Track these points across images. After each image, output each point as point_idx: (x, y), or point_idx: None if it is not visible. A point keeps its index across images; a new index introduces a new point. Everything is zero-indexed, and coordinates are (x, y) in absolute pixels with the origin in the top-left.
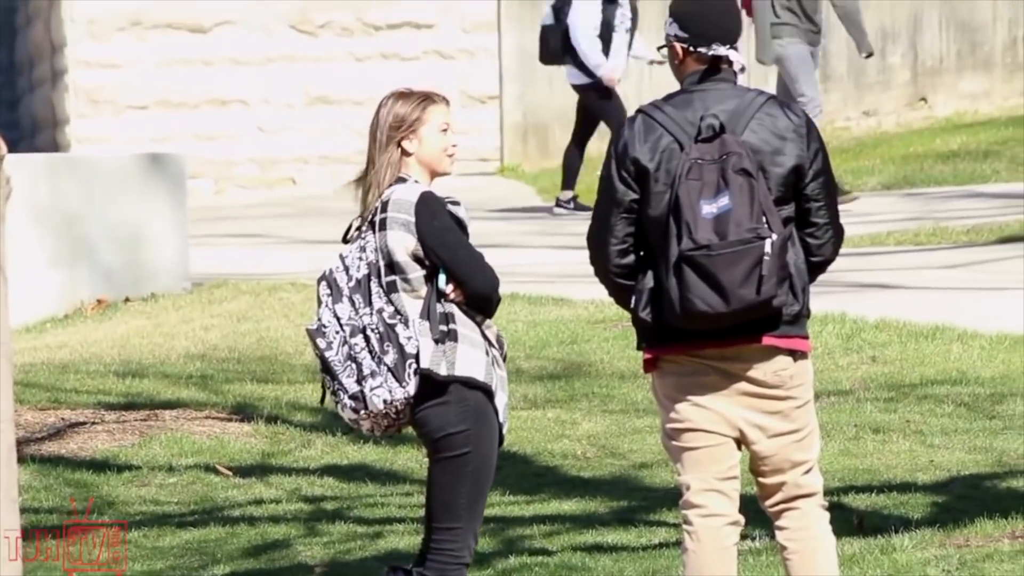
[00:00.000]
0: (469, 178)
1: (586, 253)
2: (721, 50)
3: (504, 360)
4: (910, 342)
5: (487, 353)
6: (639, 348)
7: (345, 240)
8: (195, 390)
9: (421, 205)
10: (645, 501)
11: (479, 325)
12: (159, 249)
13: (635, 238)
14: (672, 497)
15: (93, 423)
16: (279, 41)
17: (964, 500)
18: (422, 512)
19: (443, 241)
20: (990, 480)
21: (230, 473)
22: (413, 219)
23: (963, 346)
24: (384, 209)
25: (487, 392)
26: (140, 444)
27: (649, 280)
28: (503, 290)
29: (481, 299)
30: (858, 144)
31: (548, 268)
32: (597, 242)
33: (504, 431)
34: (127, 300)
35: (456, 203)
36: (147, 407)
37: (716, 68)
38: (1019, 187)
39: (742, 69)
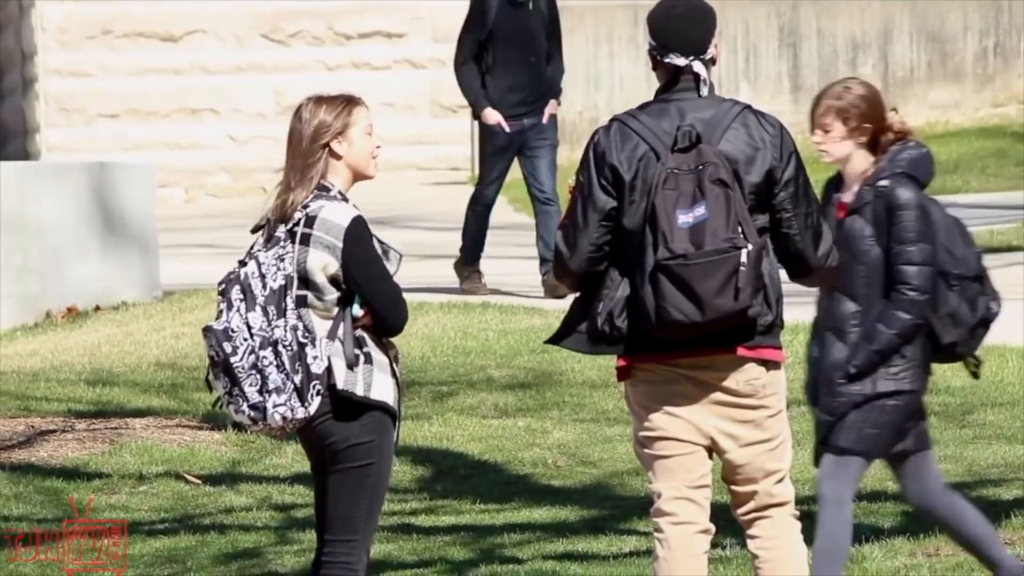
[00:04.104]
0: (440, 187)
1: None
2: (679, 60)
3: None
4: None
5: (393, 375)
6: (550, 341)
7: (255, 230)
8: (165, 398)
9: (351, 232)
10: (616, 509)
11: (385, 348)
12: (130, 257)
13: (610, 247)
14: (643, 505)
15: (63, 431)
16: (250, 50)
17: None
18: (392, 520)
19: (367, 272)
20: (960, 489)
21: (199, 482)
22: (340, 244)
23: None
24: (310, 224)
25: (392, 415)
26: (110, 452)
27: (624, 289)
28: (475, 299)
29: (393, 332)
30: None
31: (519, 278)
32: (572, 246)
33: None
34: (97, 308)
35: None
36: (117, 415)
37: (676, 79)
38: (990, 198)
39: (705, 83)
